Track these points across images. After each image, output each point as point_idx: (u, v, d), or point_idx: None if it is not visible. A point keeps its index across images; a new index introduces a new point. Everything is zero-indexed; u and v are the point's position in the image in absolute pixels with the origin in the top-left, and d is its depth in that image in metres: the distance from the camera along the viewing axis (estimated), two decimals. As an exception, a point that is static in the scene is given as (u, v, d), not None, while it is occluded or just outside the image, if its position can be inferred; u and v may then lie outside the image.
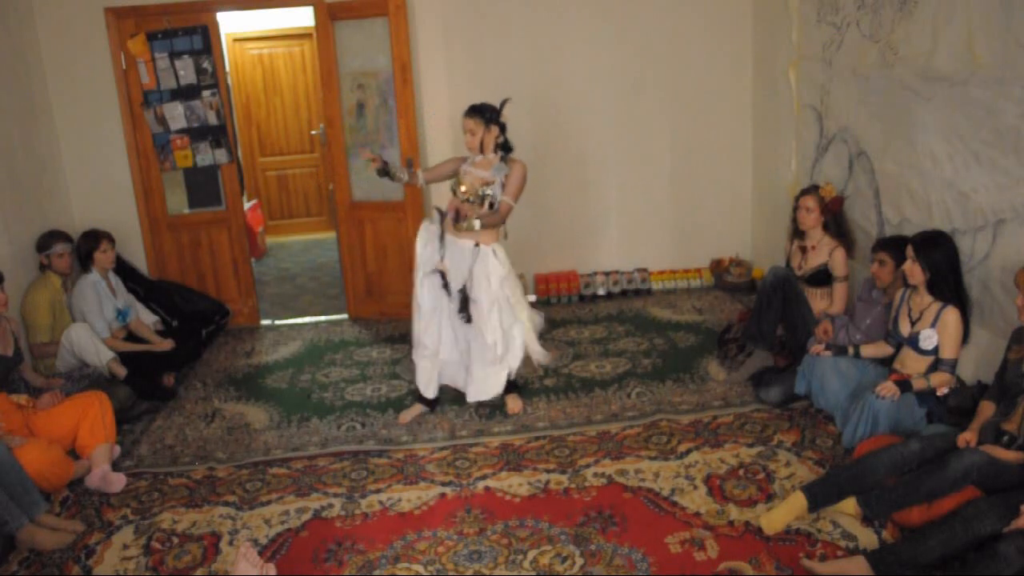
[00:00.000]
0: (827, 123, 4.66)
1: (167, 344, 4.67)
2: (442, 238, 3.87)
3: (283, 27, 7.86)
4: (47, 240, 4.50)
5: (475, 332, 3.86)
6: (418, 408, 4.07)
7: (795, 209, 4.27)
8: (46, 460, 3.32)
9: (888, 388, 3.25)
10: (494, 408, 4.08)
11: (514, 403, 4.07)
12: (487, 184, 3.79)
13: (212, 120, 5.34)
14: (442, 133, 5.46)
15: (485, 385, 3.94)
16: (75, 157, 5.26)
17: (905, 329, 3.46)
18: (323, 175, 8.13)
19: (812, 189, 4.23)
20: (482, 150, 3.83)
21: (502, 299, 3.82)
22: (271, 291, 6.57)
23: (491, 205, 3.78)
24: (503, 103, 3.84)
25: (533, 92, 5.55)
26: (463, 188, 3.84)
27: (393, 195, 5.38)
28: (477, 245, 3.79)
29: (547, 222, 5.78)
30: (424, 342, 3.96)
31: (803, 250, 4.26)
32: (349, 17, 5.21)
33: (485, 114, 3.81)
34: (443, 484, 3.40)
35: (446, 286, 3.87)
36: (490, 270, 3.77)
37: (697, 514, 3.06)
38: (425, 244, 3.91)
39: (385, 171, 3.93)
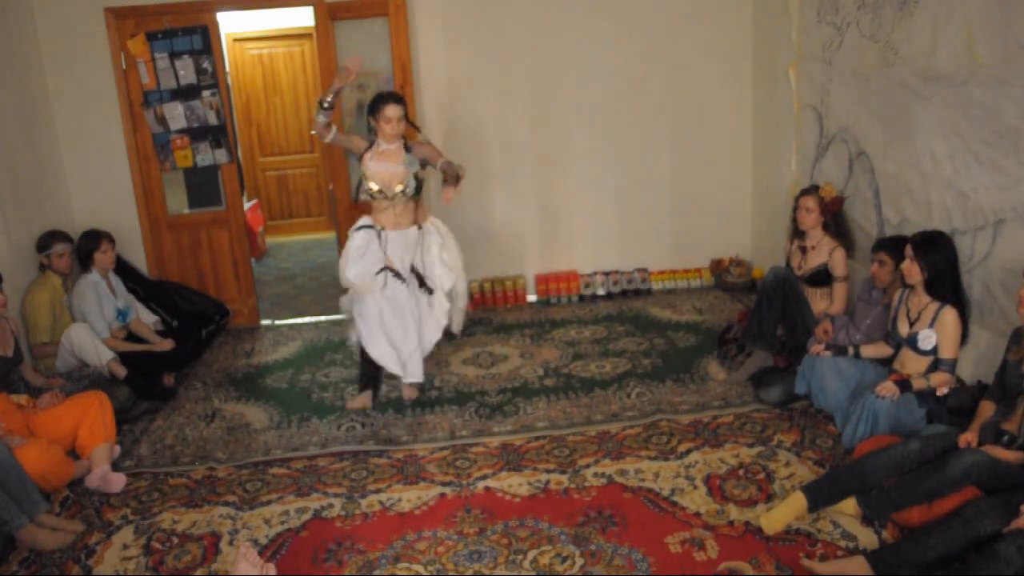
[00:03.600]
0: (827, 123, 4.66)
1: (167, 344, 4.66)
2: (381, 236, 3.97)
3: (283, 27, 7.86)
4: (47, 240, 4.50)
5: (424, 303, 4.07)
6: (368, 396, 4.23)
7: (795, 209, 4.28)
8: (46, 460, 3.32)
9: (888, 388, 3.25)
10: (493, 408, 4.09)
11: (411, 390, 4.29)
12: (401, 181, 3.91)
13: (212, 120, 5.34)
14: (441, 131, 5.46)
15: (427, 344, 4.15)
16: (75, 157, 5.26)
17: (904, 329, 3.46)
18: (323, 175, 8.13)
19: (812, 189, 4.24)
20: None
21: (441, 263, 4.07)
22: (271, 291, 6.57)
23: (413, 192, 3.96)
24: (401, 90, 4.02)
25: (533, 92, 5.55)
26: (372, 185, 3.90)
27: (393, 195, 5.38)
28: (420, 227, 4.05)
29: (547, 222, 5.79)
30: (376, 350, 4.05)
31: (803, 250, 4.26)
32: (349, 17, 5.21)
33: (405, 103, 3.93)
34: (443, 484, 3.39)
35: (398, 276, 3.98)
36: (433, 240, 4.07)
37: (697, 514, 3.06)
38: (366, 248, 3.96)
39: (322, 103, 3.85)
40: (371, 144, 3.96)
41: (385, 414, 4.12)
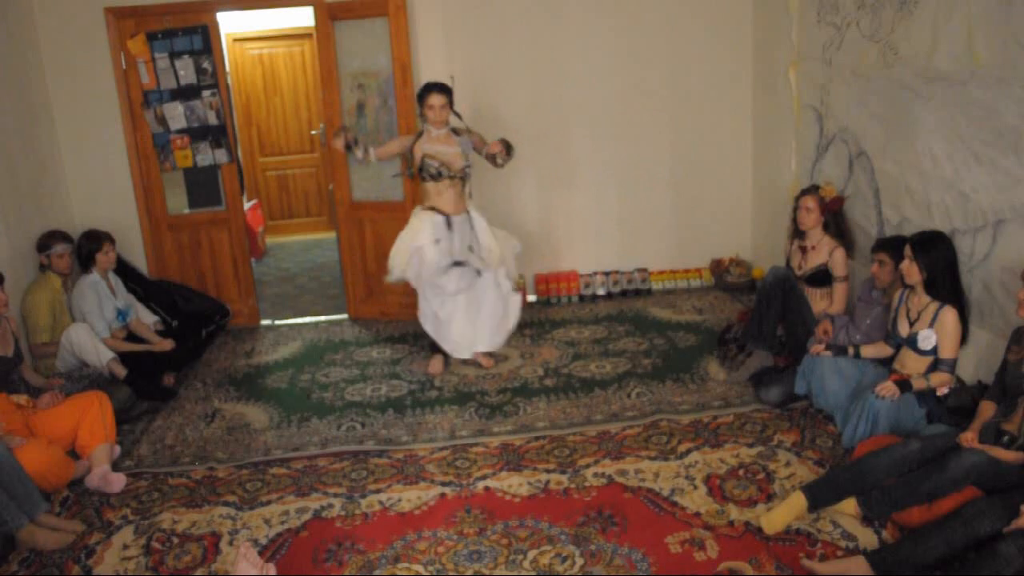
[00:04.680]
0: (827, 123, 4.67)
1: (167, 344, 4.66)
2: (448, 222, 4.29)
3: (283, 27, 7.86)
4: (47, 240, 4.50)
5: (483, 284, 4.44)
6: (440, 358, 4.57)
7: (795, 209, 4.28)
8: (46, 460, 3.32)
9: (888, 388, 3.25)
10: (493, 408, 4.09)
11: (487, 358, 4.63)
12: (462, 159, 4.29)
13: (212, 120, 5.34)
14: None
15: (504, 324, 4.55)
16: (75, 157, 5.26)
17: (904, 329, 3.46)
18: (323, 175, 8.13)
19: (812, 189, 4.24)
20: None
21: (492, 243, 4.40)
22: (271, 291, 6.57)
23: (463, 178, 4.33)
24: (452, 81, 4.33)
25: (533, 92, 5.55)
26: (435, 162, 4.22)
27: (393, 195, 5.38)
28: (468, 212, 4.39)
29: (547, 222, 5.79)
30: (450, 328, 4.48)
31: (803, 250, 4.26)
32: (349, 17, 5.21)
33: (449, 92, 4.26)
34: (443, 484, 3.40)
35: (460, 263, 4.34)
36: (482, 222, 4.40)
37: (697, 514, 3.06)
38: (435, 237, 4.25)
39: (349, 146, 4.28)
40: (419, 134, 4.32)
41: (385, 414, 4.12)
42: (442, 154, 4.25)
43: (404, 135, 4.42)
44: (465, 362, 4.62)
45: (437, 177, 4.25)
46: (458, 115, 4.36)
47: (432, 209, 4.32)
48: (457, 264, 4.34)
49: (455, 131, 4.32)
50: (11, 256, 4.41)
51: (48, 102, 5.13)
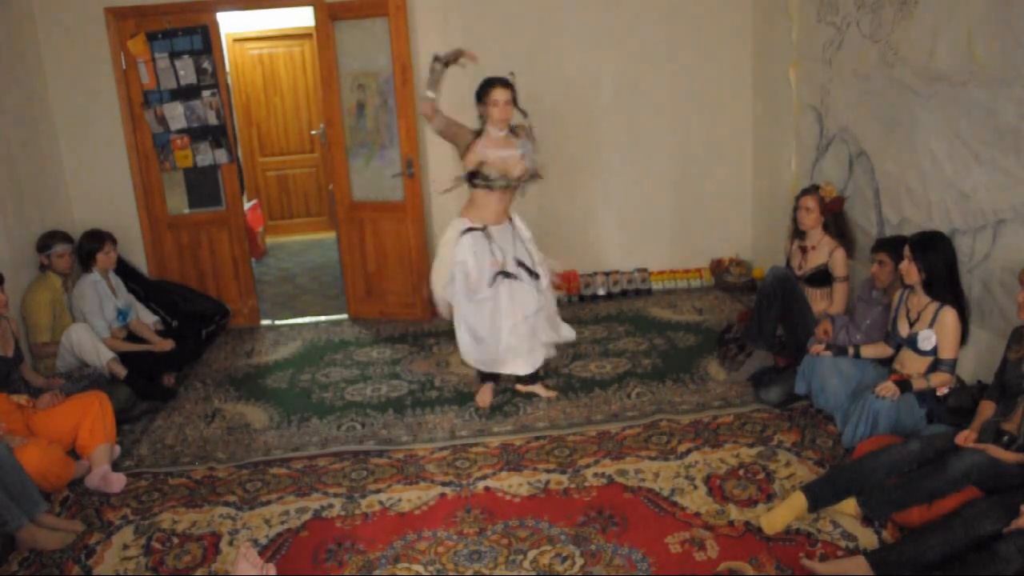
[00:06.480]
0: (827, 123, 4.67)
1: (167, 344, 4.66)
2: (487, 234, 3.88)
3: (283, 27, 7.87)
4: (47, 240, 4.50)
5: (533, 297, 3.93)
6: (490, 386, 4.16)
7: (795, 209, 4.27)
8: (46, 460, 3.32)
9: (888, 388, 3.25)
10: (494, 408, 4.09)
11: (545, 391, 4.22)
12: (519, 166, 3.87)
13: (212, 120, 5.34)
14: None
15: (558, 333, 4.14)
16: (75, 157, 5.26)
17: (904, 330, 3.46)
18: (323, 175, 8.13)
19: (812, 189, 4.24)
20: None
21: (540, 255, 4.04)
22: (271, 291, 6.58)
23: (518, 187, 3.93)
24: (513, 77, 3.88)
25: (533, 92, 5.52)
26: (492, 172, 3.82)
27: (393, 195, 5.38)
28: (511, 220, 3.98)
29: (547, 222, 5.77)
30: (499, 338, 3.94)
31: (803, 250, 4.26)
32: (349, 17, 5.21)
33: (512, 87, 3.81)
34: (443, 484, 3.39)
35: (508, 275, 3.89)
36: (524, 231, 4.03)
37: (697, 514, 3.06)
38: (474, 250, 3.85)
39: (448, 62, 3.81)
40: (478, 134, 3.86)
41: (385, 414, 4.12)
42: (501, 161, 3.80)
43: (467, 127, 3.85)
44: (465, 363, 4.57)
45: (493, 185, 3.82)
46: (523, 112, 3.89)
47: (469, 218, 3.91)
48: (506, 276, 3.88)
49: (513, 132, 3.89)
50: (11, 256, 4.41)
51: (48, 102, 5.13)
